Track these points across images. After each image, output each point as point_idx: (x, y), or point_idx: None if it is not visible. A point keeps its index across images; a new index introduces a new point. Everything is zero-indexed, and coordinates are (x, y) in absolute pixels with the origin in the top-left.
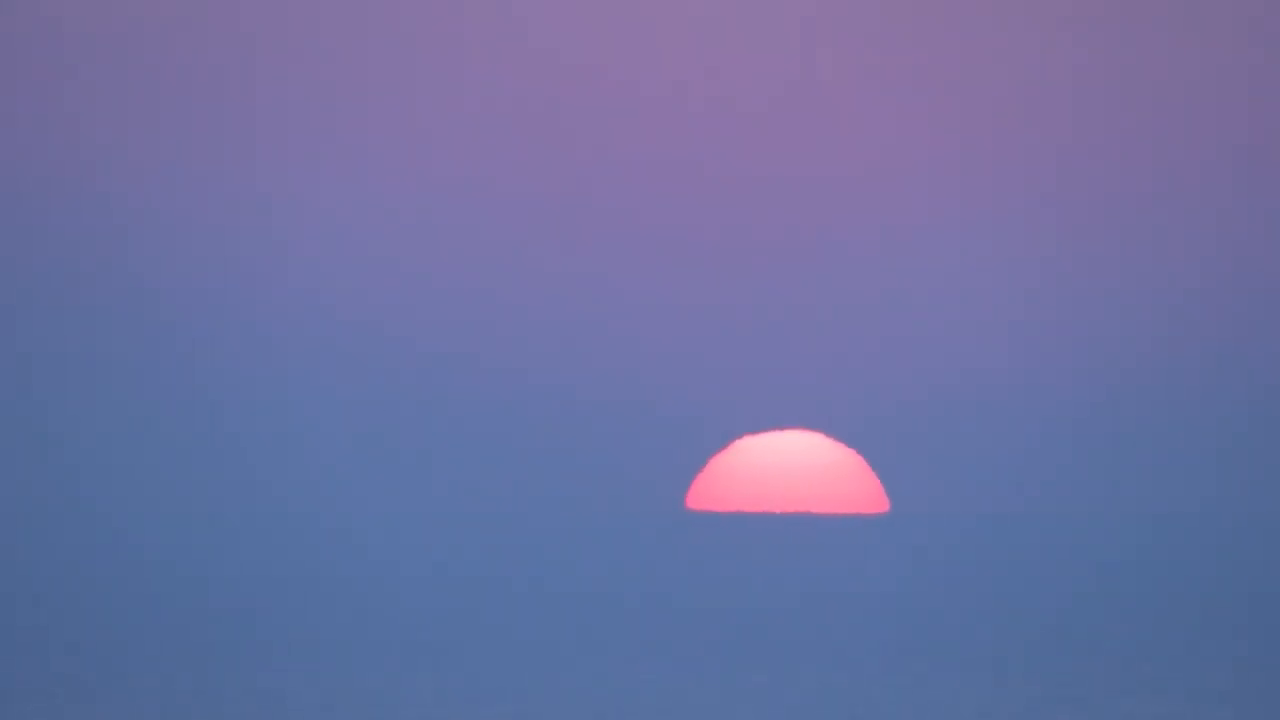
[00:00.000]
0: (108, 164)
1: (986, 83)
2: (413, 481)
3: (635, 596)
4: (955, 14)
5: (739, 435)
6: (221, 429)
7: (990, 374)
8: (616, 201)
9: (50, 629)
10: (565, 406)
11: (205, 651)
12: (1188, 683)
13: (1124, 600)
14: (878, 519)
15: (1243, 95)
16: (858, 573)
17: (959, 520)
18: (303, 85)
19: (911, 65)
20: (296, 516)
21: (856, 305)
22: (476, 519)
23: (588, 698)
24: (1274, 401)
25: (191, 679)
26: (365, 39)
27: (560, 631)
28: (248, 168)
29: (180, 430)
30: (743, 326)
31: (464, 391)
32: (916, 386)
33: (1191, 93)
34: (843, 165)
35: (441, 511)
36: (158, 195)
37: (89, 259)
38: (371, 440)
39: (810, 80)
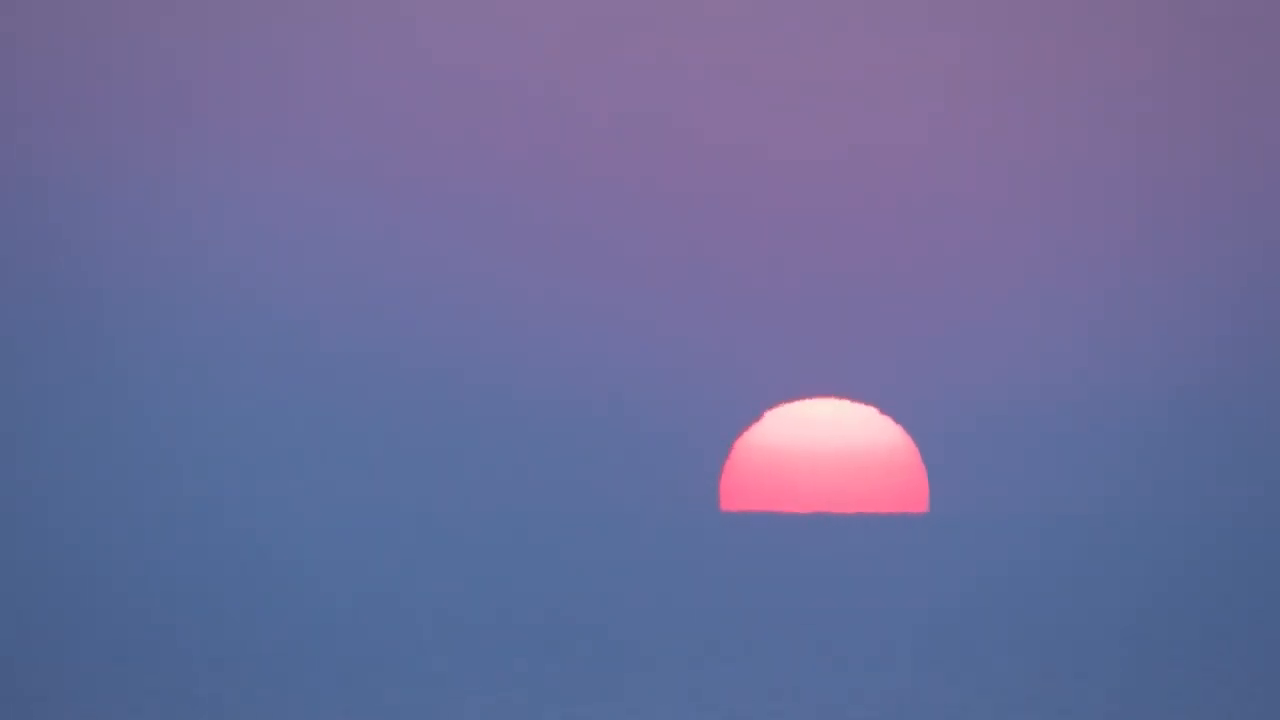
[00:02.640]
0: (93, 163)
1: (1056, 69)
2: (426, 485)
3: (670, 599)
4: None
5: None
6: (240, 429)
7: (1047, 374)
8: (645, 179)
9: (40, 631)
10: (592, 394)
11: (229, 658)
12: (1247, 683)
13: (1178, 605)
14: (919, 519)
15: None
16: (900, 578)
17: (1007, 521)
18: (301, 85)
19: (977, 43)
20: (310, 517)
21: (908, 283)
22: (498, 523)
23: (618, 705)
24: None
25: (203, 685)
26: (358, 37)
27: (592, 637)
28: (245, 171)
29: (192, 431)
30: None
31: (482, 392)
32: (978, 378)
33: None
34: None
35: (468, 515)
36: (153, 196)
37: (79, 258)
38: (388, 445)
39: (869, 53)
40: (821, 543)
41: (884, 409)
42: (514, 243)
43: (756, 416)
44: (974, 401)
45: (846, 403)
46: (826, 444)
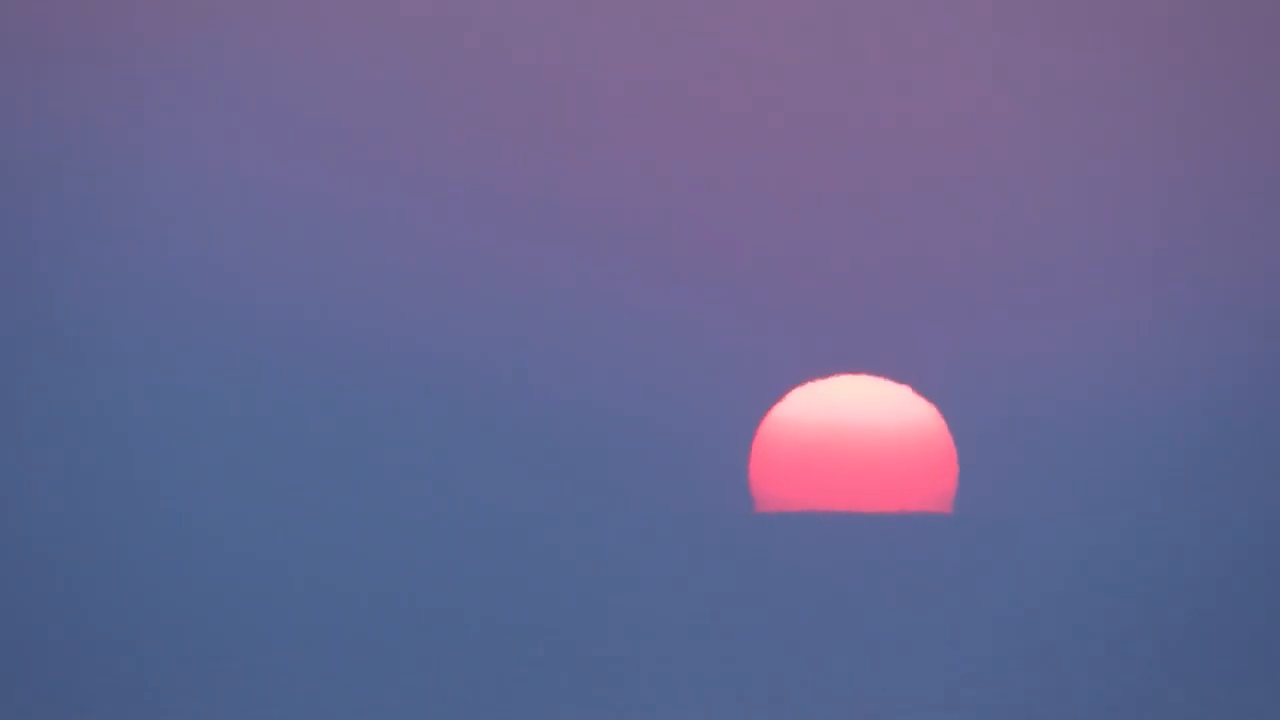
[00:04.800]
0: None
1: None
2: (443, 488)
3: (705, 604)
4: None
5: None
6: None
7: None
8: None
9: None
10: (608, 389)
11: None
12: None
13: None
14: (965, 518)
15: None
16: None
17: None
18: (294, 81)
19: (1023, 14)
20: (330, 521)
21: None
22: (529, 524)
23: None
24: None
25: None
26: (348, 33)
27: (629, 644)
28: (240, 164)
29: (194, 429)
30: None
31: (500, 392)
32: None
33: None
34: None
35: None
36: (146, 190)
37: (70, 256)
38: (389, 447)
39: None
40: (860, 546)
41: (916, 387)
42: (517, 233)
43: (779, 397)
44: (1014, 391)
45: (871, 379)
46: (860, 431)
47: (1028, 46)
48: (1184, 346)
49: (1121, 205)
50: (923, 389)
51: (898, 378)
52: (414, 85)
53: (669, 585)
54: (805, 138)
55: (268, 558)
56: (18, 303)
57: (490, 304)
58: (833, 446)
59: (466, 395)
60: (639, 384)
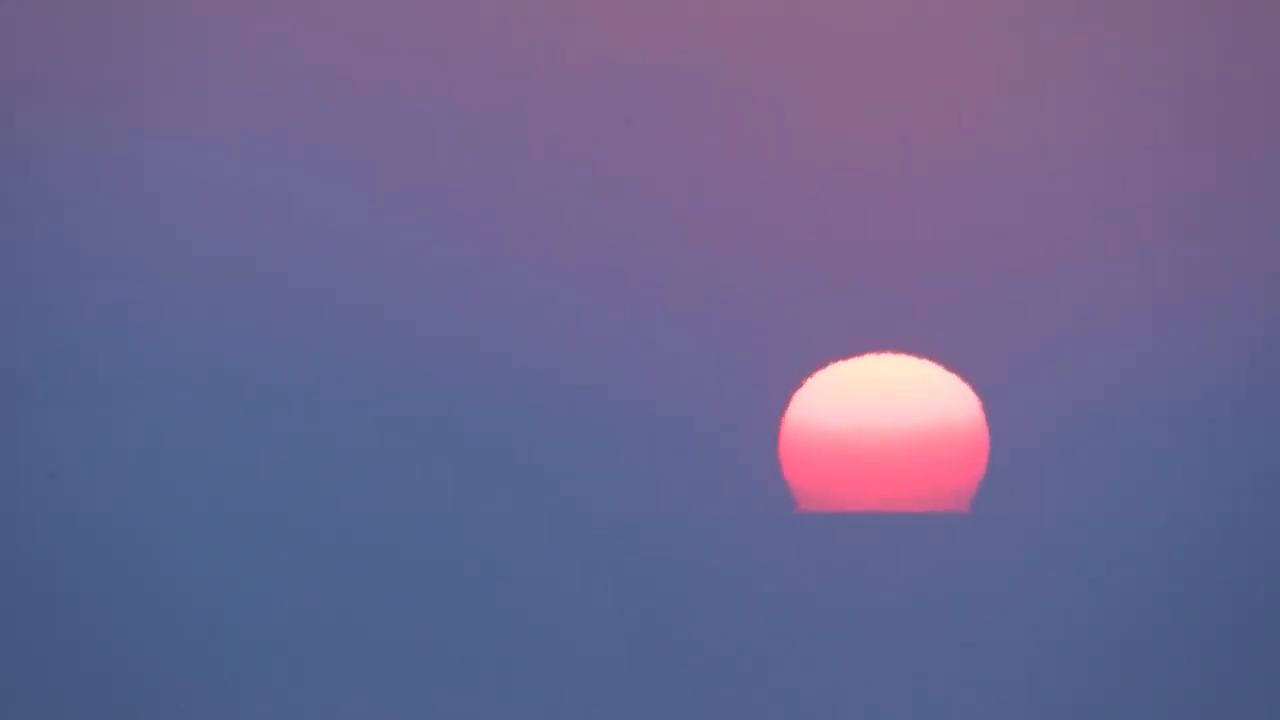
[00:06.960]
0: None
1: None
2: (467, 488)
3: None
4: None
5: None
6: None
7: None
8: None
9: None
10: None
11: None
12: None
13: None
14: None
15: None
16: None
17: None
18: (289, 78)
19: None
20: (366, 521)
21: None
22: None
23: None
24: None
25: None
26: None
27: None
28: (241, 160)
29: (196, 427)
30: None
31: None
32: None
33: None
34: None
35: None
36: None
37: (71, 255)
38: (420, 447)
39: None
40: (883, 546)
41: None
42: (526, 225)
43: (798, 387)
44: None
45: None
46: (887, 422)
47: (1094, 18)
48: (1263, 349)
49: (1215, 191)
50: (961, 372)
51: (934, 358)
52: (417, 75)
53: (689, 585)
54: (838, 109)
55: (298, 560)
56: (17, 301)
57: (496, 298)
58: (859, 439)
59: (473, 394)
60: (648, 368)
